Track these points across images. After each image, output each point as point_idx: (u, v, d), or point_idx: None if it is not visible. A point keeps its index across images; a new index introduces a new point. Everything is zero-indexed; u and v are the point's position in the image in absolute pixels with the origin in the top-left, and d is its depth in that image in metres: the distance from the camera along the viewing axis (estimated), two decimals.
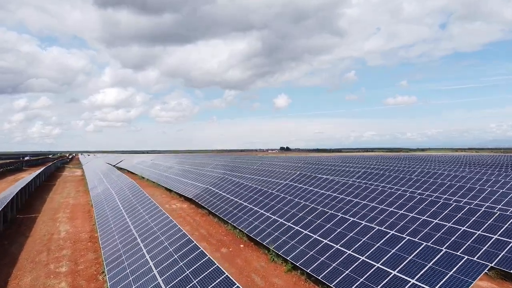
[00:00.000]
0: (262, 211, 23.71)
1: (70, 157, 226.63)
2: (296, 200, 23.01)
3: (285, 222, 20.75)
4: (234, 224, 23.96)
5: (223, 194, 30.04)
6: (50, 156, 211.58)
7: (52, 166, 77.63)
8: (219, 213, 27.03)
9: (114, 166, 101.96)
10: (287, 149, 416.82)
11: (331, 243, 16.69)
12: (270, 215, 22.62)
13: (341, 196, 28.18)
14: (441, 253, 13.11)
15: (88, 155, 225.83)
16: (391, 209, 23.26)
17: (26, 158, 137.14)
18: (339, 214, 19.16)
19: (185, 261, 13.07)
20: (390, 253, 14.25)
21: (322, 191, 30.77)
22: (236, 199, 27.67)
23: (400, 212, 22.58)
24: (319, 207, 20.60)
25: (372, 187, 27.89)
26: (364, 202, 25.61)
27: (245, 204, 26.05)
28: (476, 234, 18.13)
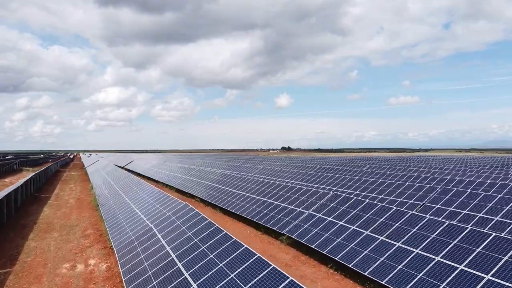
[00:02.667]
0: None
1: (60, 155, 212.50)
2: None
3: None
4: None
5: (176, 262, 12.75)
6: (42, 155, 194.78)
7: None
8: None
9: (86, 168, 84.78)
10: (289, 149, 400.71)
11: None
12: None
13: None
14: None
15: (89, 154, 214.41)
16: None
17: (8, 158, 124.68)
18: None
19: None
20: None
21: (428, 254, 13.41)
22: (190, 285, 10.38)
23: None
24: None
25: None
26: None
27: None
28: None
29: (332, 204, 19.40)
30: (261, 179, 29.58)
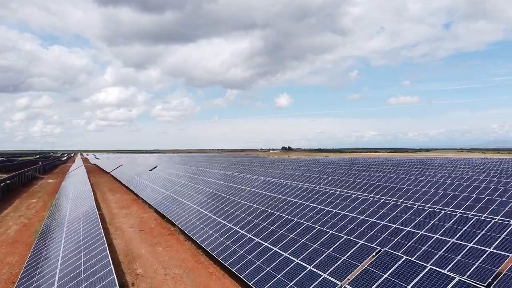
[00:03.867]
0: None
1: (56, 156, 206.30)
2: None
3: None
4: None
5: None
6: (37, 156, 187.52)
7: None
8: None
9: (69, 173, 76.79)
10: (289, 149, 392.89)
11: None
12: None
13: None
14: None
15: (87, 154, 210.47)
16: None
17: None
18: None
19: None
20: None
21: None
22: None
23: None
24: None
25: None
26: None
27: None
28: None
29: (386, 275, 11.28)
30: (262, 208, 21.40)
